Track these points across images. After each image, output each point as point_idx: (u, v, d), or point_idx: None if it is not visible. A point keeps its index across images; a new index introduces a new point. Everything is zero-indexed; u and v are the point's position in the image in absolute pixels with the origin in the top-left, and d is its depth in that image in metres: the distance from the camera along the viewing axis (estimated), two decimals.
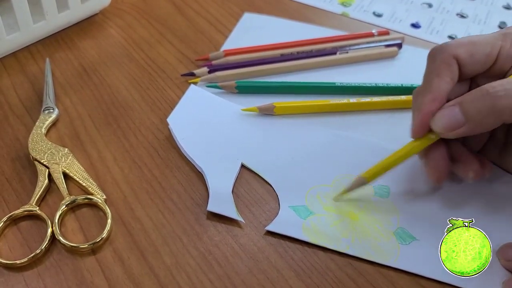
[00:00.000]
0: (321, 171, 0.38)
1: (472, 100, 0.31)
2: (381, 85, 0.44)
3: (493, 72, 0.34)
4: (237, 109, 0.42)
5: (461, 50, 0.33)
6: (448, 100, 0.33)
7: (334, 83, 0.44)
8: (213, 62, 0.46)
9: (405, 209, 0.36)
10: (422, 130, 0.33)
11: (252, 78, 0.46)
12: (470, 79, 0.35)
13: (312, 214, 0.35)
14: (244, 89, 0.43)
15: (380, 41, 0.50)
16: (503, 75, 0.34)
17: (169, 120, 0.41)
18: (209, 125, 0.41)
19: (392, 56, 0.49)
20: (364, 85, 0.44)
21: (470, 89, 0.35)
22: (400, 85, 0.44)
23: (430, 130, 0.33)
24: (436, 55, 0.34)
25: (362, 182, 0.35)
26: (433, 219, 0.35)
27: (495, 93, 0.30)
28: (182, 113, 0.41)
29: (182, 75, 0.45)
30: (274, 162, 0.38)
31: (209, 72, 0.45)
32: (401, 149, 0.34)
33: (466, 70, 0.34)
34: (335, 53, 0.47)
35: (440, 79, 0.33)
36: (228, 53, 0.47)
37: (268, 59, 0.47)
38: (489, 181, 0.37)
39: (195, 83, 0.45)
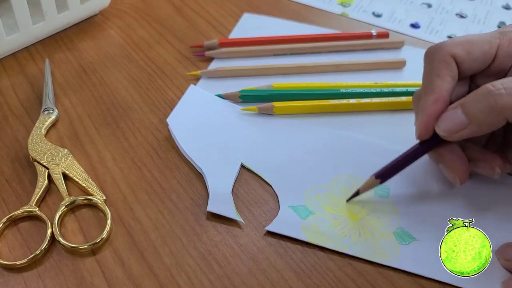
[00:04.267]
0: (321, 171, 0.38)
1: (474, 100, 0.31)
2: (386, 90, 0.44)
3: (493, 71, 0.34)
4: (237, 109, 0.42)
5: (458, 49, 0.33)
6: (450, 103, 0.33)
7: (339, 89, 0.44)
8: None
9: (405, 209, 0.36)
10: (427, 131, 0.33)
11: (254, 76, 0.46)
12: (469, 80, 0.35)
13: (312, 214, 0.35)
14: (248, 98, 0.43)
15: (380, 47, 0.49)
16: (503, 74, 0.34)
17: (168, 120, 0.41)
18: (208, 125, 0.41)
19: (400, 67, 0.48)
20: (369, 91, 0.44)
21: (470, 90, 0.35)
22: (405, 90, 0.44)
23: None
24: (434, 55, 0.34)
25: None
26: (433, 219, 0.35)
27: (496, 91, 0.30)
28: (182, 113, 0.41)
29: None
30: (274, 162, 0.38)
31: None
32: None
33: (465, 69, 0.34)
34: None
35: (441, 79, 0.33)
36: (223, 42, 0.48)
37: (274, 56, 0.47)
38: (489, 182, 0.37)
39: (195, 75, 0.45)
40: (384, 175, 0.34)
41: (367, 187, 0.35)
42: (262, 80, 0.45)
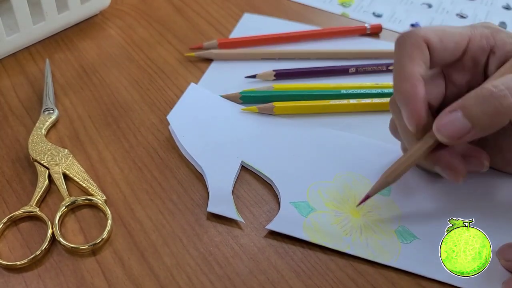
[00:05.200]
0: (322, 168, 0.38)
1: (476, 103, 0.30)
2: (386, 91, 0.44)
3: (466, 64, 0.33)
4: (237, 107, 0.42)
5: (432, 34, 0.32)
6: (428, 104, 0.32)
7: (339, 90, 0.44)
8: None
9: (407, 207, 0.36)
10: (420, 118, 0.31)
11: (253, 60, 0.47)
12: (444, 79, 0.35)
13: (313, 211, 0.35)
14: (248, 99, 0.43)
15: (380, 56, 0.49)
16: (477, 69, 0.34)
17: (169, 117, 0.41)
18: (208, 123, 0.41)
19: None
20: (370, 92, 0.44)
21: (446, 87, 0.34)
22: None
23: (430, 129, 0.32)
24: (406, 39, 0.33)
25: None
26: (434, 218, 0.35)
27: (499, 92, 0.29)
28: (182, 112, 0.41)
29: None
30: (275, 158, 0.38)
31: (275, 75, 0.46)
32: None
33: (436, 57, 0.33)
34: (347, 70, 0.47)
35: (412, 63, 0.32)
36: (222, 42, 0.48)
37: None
38: (489, 182, 0.37)
39: (190, 56, 0.47)
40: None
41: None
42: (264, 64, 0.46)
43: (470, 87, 0.32)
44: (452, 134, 0.30)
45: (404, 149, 0.37)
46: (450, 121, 0.30)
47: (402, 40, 0.33)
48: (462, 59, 0.33)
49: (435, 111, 0.34)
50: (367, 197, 0.33)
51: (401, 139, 0.36)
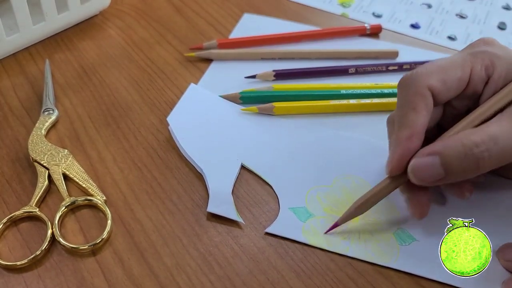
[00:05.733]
0: (321, 171, 0.38)
1: (454, 155, 0.30)
2: (386, 91, 0.44)
3: (466, 94, 0.33)
4: (237, 108, 0.42)
5: (434, 79, 0.32)
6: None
7: (339, 91, 0.44)
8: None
9: (405, 209, 0.36)
10: (399, 168, 0.32)
11: (253, 60, 0.47)
12: (442, 104, 0.34)
13: (311, 217, 0.35)
14: (248, 99, 0.43)
15: (375, 57, 0.49)
16: (476, 97, 0.33)
17: (168, 119, 0.41)
18: (208, 124, 0.41)
19: (393, 57, 0.49)
20: (370, 92, 0.44)
21: (445, 111, 0.34)
22: None
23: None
24: (409, 86, 0.33)
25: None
26: (433, 219, 0.35)
27: (479, 153, 0.29)
28: (182, 113, 0.41)
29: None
30: (274, 162, 0.38)
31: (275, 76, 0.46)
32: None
33: (440, 98, 0.33)
34: (346, 70, 0.47)
35: (416, 113, 0.32)
36: (222, 42, 0.48)
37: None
38: (489, 182, 0.37)
39: (190, 56, 0.47)
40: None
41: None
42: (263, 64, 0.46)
43: (468, 111, 0.33)
44: (424, 178, 0.31)
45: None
46: (426, 166, 0.31)
47: (405, 87, 0.33)
48: (464, 91, 0.33)
49: (430, 130, 0.34)
50: (335, 225, 0.34)
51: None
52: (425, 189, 0.33)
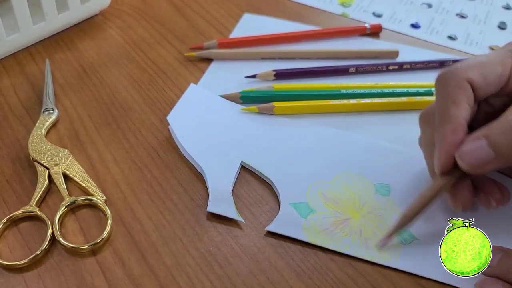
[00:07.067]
0: (322, 168, 0.38)
1: (502, 133, 0.29)
2: (387, 91, 0.44)
3: (505, 91, 0.33)
4: (237, 108, 0.42)
5: (474, 73, 0.31)
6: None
7: (340, 90, 0.44)
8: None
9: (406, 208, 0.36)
10: (448, 164, 0.31)
11: (253, 60, 0.47)
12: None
13: (313, 212, 0.35)
14: (248, 99, 0.43)
15: (376, 56, 0.49)
16: None
17: (168, 118, 0.41)
18: (208, 124, 0.41)
19: (393, 57, 0.49)
20: (370, 92, 0.44)
21: (479, 108, 0.34)
22: (406, 91, 0.44)
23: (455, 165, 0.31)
24: (448, 80, 0.32)
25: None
26: (434, 218, 0.35)
27: None
28: (182, 112, 0.41)
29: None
30: (275, 159, 0.38)
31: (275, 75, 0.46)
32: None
33: (480, 93, 0.32)
34: (347, 70, 0.47)
35: (457, 106, 0.31)
36: (222, 42, 0.48)
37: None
38: None
39: (190, 56, 0.47)
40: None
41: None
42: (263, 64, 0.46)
43: (505, 108, 0.32)
44: (474, 162, 0.30)
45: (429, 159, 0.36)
46: (474, 149, 0.30)
47: (444, 81, 0.32)
48: (503, 87, 0.33)
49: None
50: (388, 238, 0.32)
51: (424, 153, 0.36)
52: (468, 185, 0.32)
